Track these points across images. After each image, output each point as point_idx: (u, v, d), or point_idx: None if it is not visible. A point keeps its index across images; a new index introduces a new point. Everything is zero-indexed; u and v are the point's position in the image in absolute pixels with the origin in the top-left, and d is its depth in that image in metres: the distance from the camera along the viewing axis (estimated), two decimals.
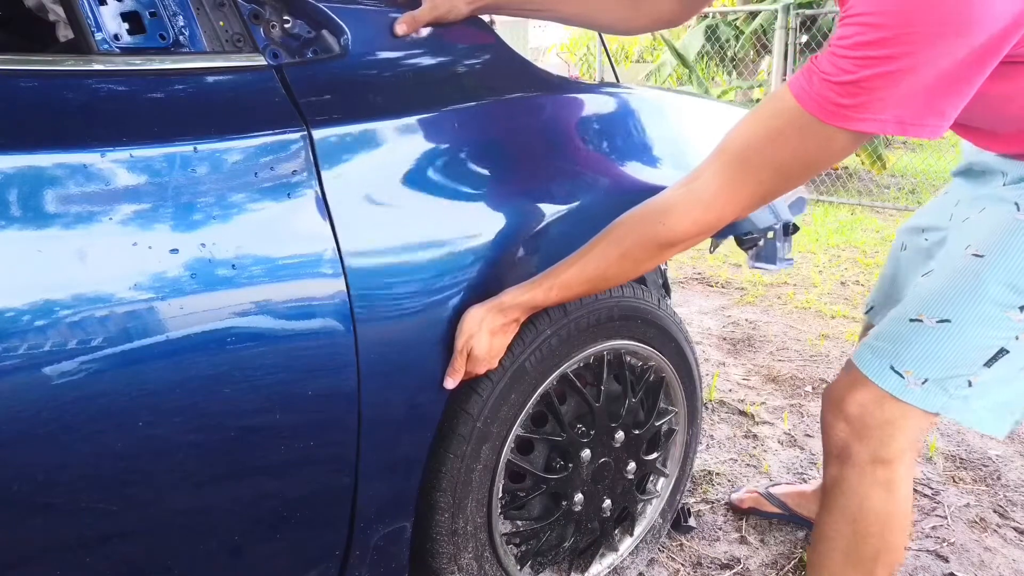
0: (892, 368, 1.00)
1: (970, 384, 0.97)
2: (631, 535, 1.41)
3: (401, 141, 0.94)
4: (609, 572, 1.38)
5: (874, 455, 1.03)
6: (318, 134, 0.85)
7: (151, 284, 0.72)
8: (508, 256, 1.02)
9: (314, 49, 0.94)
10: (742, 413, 2.20)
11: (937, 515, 1.70)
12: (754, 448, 1.99)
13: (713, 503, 1.73)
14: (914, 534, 1.62)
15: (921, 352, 0.98)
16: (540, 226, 1.05)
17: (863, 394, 1.02)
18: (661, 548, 1.55)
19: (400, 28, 1.00)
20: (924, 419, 1.01)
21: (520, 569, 1.24)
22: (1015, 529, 1.65)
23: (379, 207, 0.90)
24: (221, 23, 0.85)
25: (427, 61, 1.05)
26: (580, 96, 1.19)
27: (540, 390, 1.14)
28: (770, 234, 1.36)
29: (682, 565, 1.51)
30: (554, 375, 1.15)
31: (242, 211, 0.78)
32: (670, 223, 0.91)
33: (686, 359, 1.39)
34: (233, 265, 0.76)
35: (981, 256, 0.96)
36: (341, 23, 0.95)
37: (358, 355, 0.88)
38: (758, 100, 7.14)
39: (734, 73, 7.68)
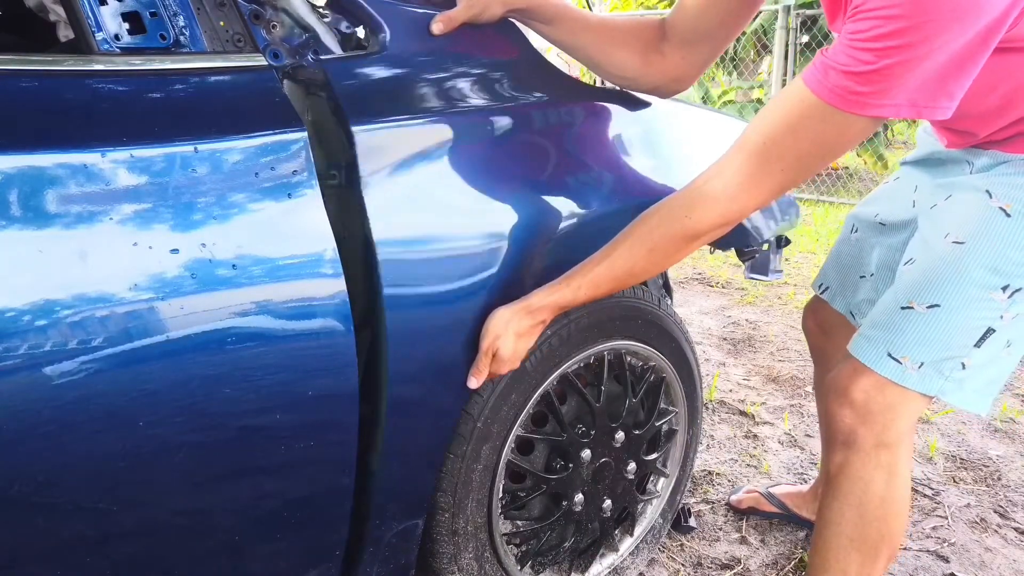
0: (889, 355, 1.04)
1: (964, 367, 1.02)
2: (631, 535, 1.41)
3: (436, 139, 0.96)
4: (609, 572, 1.38)
5: (878, 439, 1.07)
6: (357, 129, 0.87)
7: (152, 284, 0.72)
8: (534, 257, 1.04)
9: (314, 50, 0.94)
10: (742, 413, 2.20)
11: (937, 515, 1.70)
12: (754, 448, 1.99)
13: (713, 503, 1.73)
14: (914, 534, 1.62)
15: (915, 337, 1.02)
16: (565, 228, 1.06)
17: (865, 380, 1.06)
18: (661, 548, 1.55)
19: (437, 27, 1.02)
20: (922, 403, 1.06)
21: (520, 569, 1.24)
22: (1016, 529, 1.65)
23: (412, 203, 0.92)
24: (222, 23, 0.85)
25: (462, 61, 1.06)
26: (606, 104, 1.21)
27: (540, 390, 1.14)
28: (765, 246, 1.43)
29: (682, 565, 1.51)
30: (554, 375, 1.15)
31: (243, 211, 0.78)
32: (696, 216, 0.94)
33: (686, 359, 1.39)
34: (234, 265, 0.76)
35: (962, 243, 1.01)
36: (381, 20, 0.97)
37: (387, 351, 0.90)
38: (759, 100, 7.14)
39: (734, 73, 7.67)
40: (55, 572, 0.73)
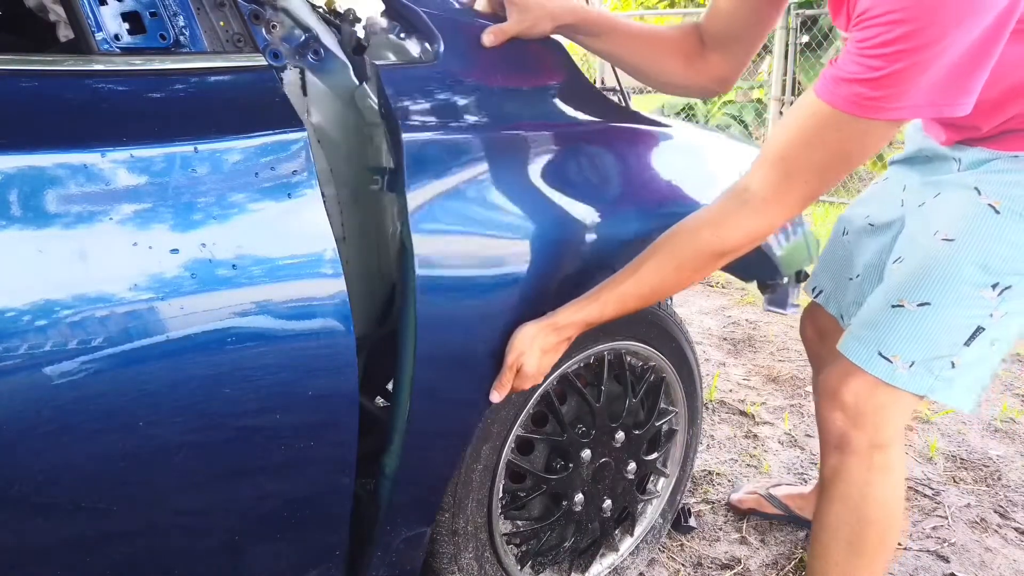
0: (880, 354, 1.03)
1: (953, 365, 1.02)
2: (631, 535, 1.41)
3: (481, 151, 0.97)
4: (609, 572, 1.38)
5: (871, 441, 1.07)
6: (407, 136, 0.88)
7: (151, 284, 0.72)
8: (563, 271, 1.05)
9: (315, 50, 0.94)
10: (742, 413, 2.20)
11: (938, 515, 1.70)
12: (754, 448, 1.99)
13: (714, 503, 1.73)
14: (915, 534, 1.62)
15: (905, 335, 1.02)
16: (595, 246, 1.07)
17: (856, 382, 1.06)
18: (661, 548, 1.55)
19: (488, 39, 1.02)
20: (913, 402, 1.06)
21: (520, 569, 1.24)
22: (1016, 529, 1.65)
23: (452, 213, 0.92)
24: (221, 23, 0.85)
25: (510, 75, 1.07)
26: (642, 129, 1.22)
27: (540, 390, 1.14)
28: (784, 280, 1.45)
29: (683, 565, 1.51)
30: (554, 375, 1.15)
31: (243, 211, 0.78)
32: (722, 234, 0.95)
33: (686, 359, 1.39)
34: (234, 265, 0.76)
35: (952, 240, 1.01)
36: (436, 31, 0.98)
37: (415, 354, 0.91)
38: (759, 100, 7.13)
39: None
40: (55, 572, 0.73)
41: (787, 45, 5.81)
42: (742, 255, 0.99)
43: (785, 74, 5.87)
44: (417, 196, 0.89)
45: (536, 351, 0.98)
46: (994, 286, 0.98)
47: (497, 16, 1.06)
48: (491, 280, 0.97)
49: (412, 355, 0.91)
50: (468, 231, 0.94)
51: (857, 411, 1.06)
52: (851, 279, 1.29)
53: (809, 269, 1.47)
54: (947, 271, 1.00)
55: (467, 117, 0.97)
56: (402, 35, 1.00)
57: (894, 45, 0.78)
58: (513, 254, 0.98)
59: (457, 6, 1.06)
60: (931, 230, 1.04)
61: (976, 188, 1.01)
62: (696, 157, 1.35)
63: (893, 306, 1.04)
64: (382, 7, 1.02)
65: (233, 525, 0.85)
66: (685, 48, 1.17)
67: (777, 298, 1.52)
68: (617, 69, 1.22)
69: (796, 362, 2.59)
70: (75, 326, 0.68)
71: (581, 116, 1.13)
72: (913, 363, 1.02)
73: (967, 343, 1.00)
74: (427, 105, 0.94)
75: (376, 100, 0.95)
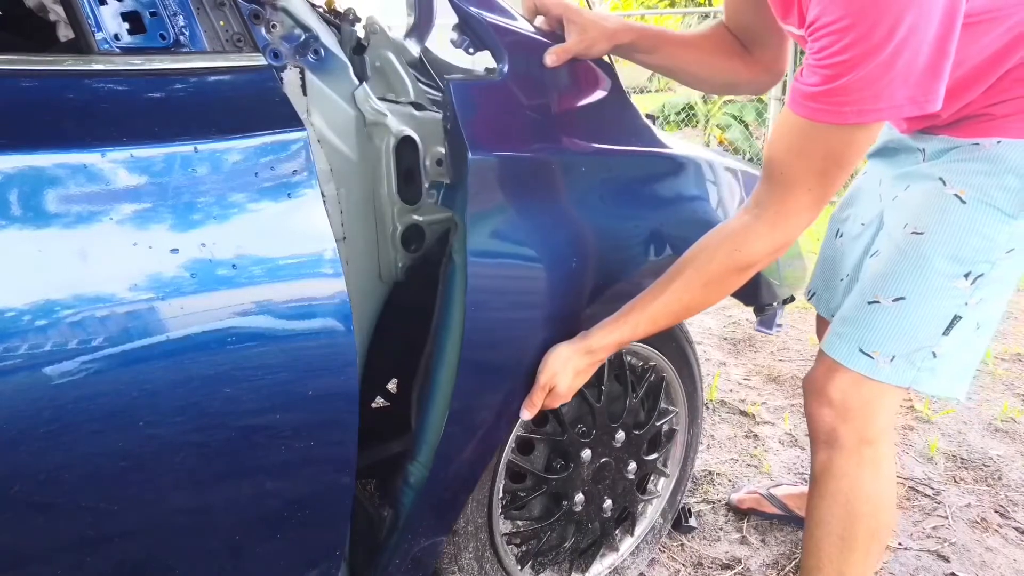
0: (861, 351, 1.05)
1: (935, 355, 1.02)
2: (632, 535, 1.41)
3: (539, 171, 1.00)
4: (610, 572, 1.38)
5: (860, 436, 1.08)
6: (473, 154, 0.91)
7: (151, 284, 0.72)
8: (603, 294, 1.08)
9: (315, 50, 0.93)
10: (743, 413, 2.20)
11: (938, 515, 1.69)
12: (755, 448, 1.99)
13: (714, 503, 1.73)
14: (915, 534, 1.62)
15: (884, 331, 1.03)
16: (632, 272, 1.10)
17: (841, 379, 1.07)
18: (662, 548, 1.55)
19: (550, 59, 1.03)
20: (899, 395, 1.07)
21: (521, 569, 1.24)
22: (1016, 529, 1.65)
23: (506, 231, 0.95)
24: (221, 23, 0.85)
25: (567, 97, 1.08)
26: (687, 158, 1.25)
27: None
28: (775, 304, 1.50)
29: (683, 565, 1.51)
30: None
31: (243, 211, 0.78)
32: (745, 249, 0.96)
33: (687, 359, 1.39)
34: (234, 265, 0.76)
35: (921, 233, 1.01)
36: (503, 49, 0.99)
37: (457, 374, 0.93)
38: (759, 99, 7.13)
39: None
40: (55, 572, 0.73)
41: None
42: (769, 264, 1.00)
43: (786, 74, 5.86)
44: (476, 214, 0.91)
45: (569, 372, 1.00)
46: (967, 275, 0.99)
47: (555, 35, 1.07)
48: (535, 300, 1.00)
49: (454, 370, 0.93)
50: (520, 251, 0.97)
51: (844, 407, 1.07)
52: (841, 280, 1.30)
53: (798, 294, 1.53)
54: (918, 264, 1.01)
55: (528, 137, 1.00)
56: (471, 50, 1.02)
57: (849, 51, 0.78)
58: (561, 276, 1.01)
59: (521, 23, 1.06)
60: (901, 223, 1.04)
61: (941, 178, 1.01)
62: (730, 181, 1.38)
63: (869, 303, 1.05)
64: (383, 7, 1.03)
65: (233, 525, 0.85)
66: (731, 48, 1.17)
67: (766, 320, 1.58)
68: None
69: (796, 362, 2.59)
70: (75, 326, 0.68)
71: (628, 139, 1.15)
72: (894, 357, 1.03)
73: (945, 332, 1.01)
74: (491, 123, 0.96)
75: (442, 114, 0.97)
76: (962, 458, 1.95)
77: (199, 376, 0.75)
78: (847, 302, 1.10)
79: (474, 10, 0.99)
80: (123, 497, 0.75)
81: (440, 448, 0.97)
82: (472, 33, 1.01)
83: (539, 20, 1.09)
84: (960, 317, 1.01)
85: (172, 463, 0.76)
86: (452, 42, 1.03)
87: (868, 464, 1.08)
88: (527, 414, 1.01)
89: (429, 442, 0.98)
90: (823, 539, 1.14)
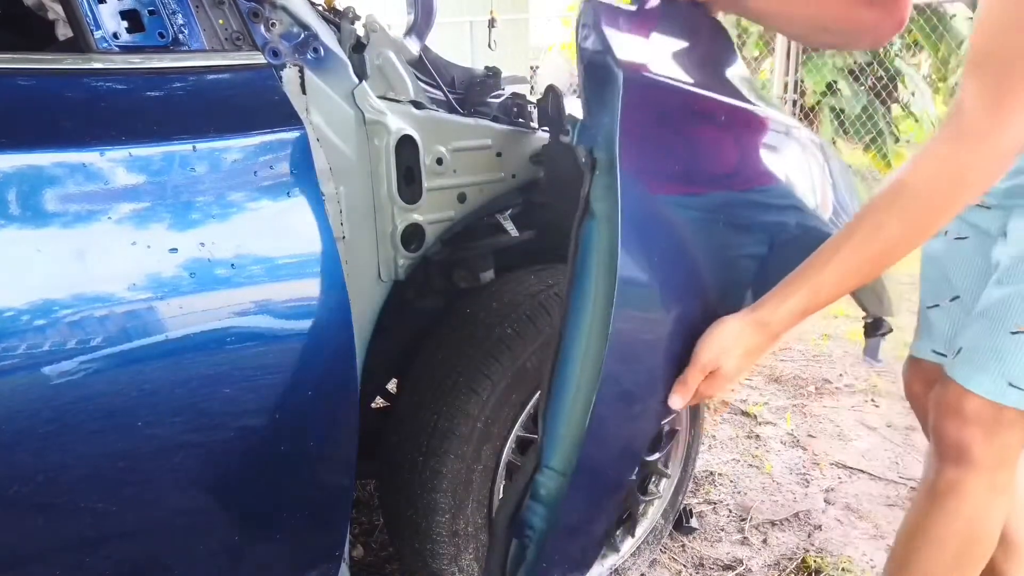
0: (1011, 384, 0.94)
1: None
2: (633, 536, 1.40)
3: (692, 105, 0.93)
4: (611, 573, 1.37)
5: (999, 460, 1.00)
6: (627, 75, 0.81)
7: (150, 283, 0.71)
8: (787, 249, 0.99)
9: (314, 48, 0.93)
10: (744, 413, 2.19)
11: None
12: (756, 448, 1.99)
13: (715, 504, 1.73)
14: None
15: None
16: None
17: (979, 400, 0.97)
18: (663, 549, 1.55)
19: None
20: None
21: None
22: None
23: (660, 167, 0.87)
24: (220, 21, 0.85)
25: (699, 41, 1.01)
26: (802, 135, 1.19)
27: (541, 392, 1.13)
28: (885, 326, 1.36)
29: (684, 566, 1.51)
30: None
31: (242, 210, 0.78)
32: (964, 159, 0.77)
33: None
34: (232, 264, 0.76)
35: None
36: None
37: (603, 366, 0.83)
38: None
39: None
40: (55, 572, 0.73)
41: (789, 45, 5.80)
42: (991, 184, 0.81)
43: (787, 74, 5.85)
44: (627, 144, 0.80)
45: (740, 350, 0.83)
46: None
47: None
48: (700, 259, 0.90)
49: (599, 349, 0.83)
50: (681, 200, 0.88)
51: (984, 428, 0.98)
52: (951, 299, 1.15)
53: (894, 321, 1.35)
54: None
55: (670, 70, 0.92)
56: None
57: None
58: (731, 229, 0.92)
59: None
60: None
61: None
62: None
63: (1012, 333, 0.94)
64: (382, 5, 1.01)
65: (233, 525, 0.85)
66: None
67: (871, 346, 1.41)
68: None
69: (798, 362, 2.59)
70: (74, 325, 0.67)
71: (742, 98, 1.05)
72: None
73: None
74: (635, 46, 0.88)
75: (576, 35, 0.86)
76: None
77: (198, 376, 0.75)
78: (976, 329, 1.00)
79: None
80: (123, 497, 0.74)
81: (586, 447, 0.85)
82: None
83: None
84: None
85: (171, 463, 0.76)
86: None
87: (1000, 490, 1.02)
88: (678, 401, 0.86)
89: (566, 441, 0.87)
90: (934, 555, 1.06)
